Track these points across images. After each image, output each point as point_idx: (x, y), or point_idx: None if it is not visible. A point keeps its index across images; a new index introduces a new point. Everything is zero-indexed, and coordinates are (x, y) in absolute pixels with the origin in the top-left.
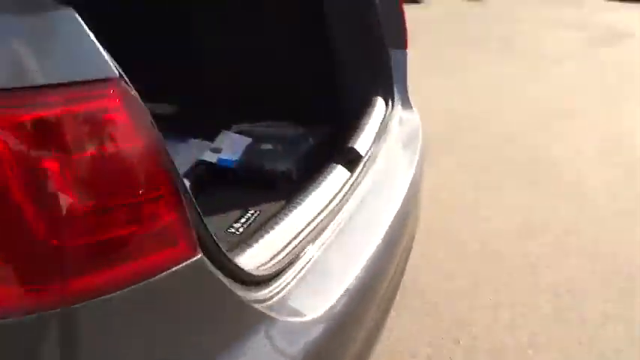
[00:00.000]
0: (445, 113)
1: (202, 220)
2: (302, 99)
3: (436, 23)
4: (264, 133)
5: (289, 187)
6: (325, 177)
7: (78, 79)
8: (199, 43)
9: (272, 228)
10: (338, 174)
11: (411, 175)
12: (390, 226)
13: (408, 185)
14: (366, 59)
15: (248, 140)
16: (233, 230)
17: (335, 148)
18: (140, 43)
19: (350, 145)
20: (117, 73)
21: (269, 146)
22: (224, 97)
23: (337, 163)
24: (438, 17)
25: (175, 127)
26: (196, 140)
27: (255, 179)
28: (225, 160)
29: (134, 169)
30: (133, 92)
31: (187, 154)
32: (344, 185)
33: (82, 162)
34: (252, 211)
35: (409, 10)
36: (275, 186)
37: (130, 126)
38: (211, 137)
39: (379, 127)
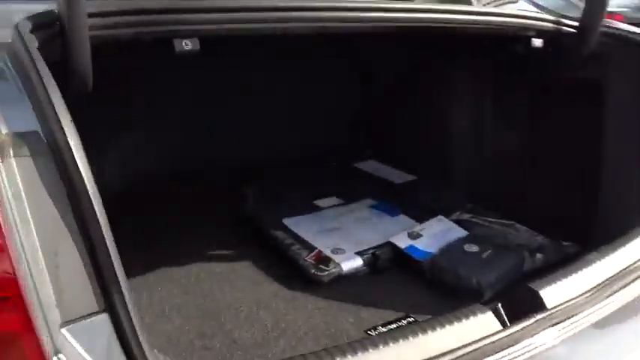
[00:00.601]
0: None
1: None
2: (555, 207)
3: None
4: (485, 231)
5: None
6: (465, 316)
7: None
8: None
9: None
10: (484, 322)
11: None
12: None
13: None
14: None
15: (460, 234)
16: (373, 333)
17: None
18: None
19: (533, 287)
20: None
21: (475, 248)
22: (468, 181)
23: (494, 305)
24: None
25: (402, 199)
26: (406, 218)
27: (439, 281)
28: (416, 249)
29: None
30: None
31: (384, 231)
32: (483, 339)
33: None
34: (411, 319)
35: None
36: (458, 297)
37: None
38: (427, 219)
39: (616, 273)
